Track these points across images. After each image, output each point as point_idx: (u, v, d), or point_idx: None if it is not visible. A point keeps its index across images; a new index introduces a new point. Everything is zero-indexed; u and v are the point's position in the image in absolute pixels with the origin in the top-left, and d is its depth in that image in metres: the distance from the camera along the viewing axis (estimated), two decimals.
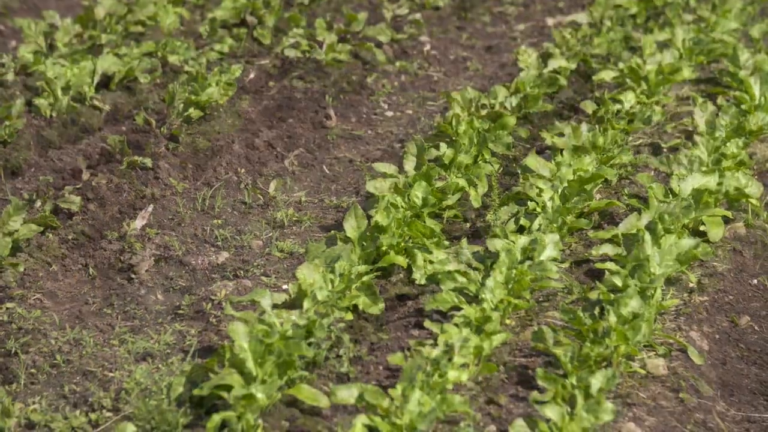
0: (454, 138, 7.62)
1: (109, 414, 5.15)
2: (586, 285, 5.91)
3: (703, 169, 7.00)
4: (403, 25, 11.02)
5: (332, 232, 6.46)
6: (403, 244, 6.42)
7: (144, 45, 9.33)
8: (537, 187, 6.89)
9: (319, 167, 8.02)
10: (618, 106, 8.30)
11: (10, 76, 8.81)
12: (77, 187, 7.06)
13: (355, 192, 7.60)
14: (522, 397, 5.15)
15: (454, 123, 7.72)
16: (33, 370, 5.49)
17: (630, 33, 10.62)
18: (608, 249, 6.30)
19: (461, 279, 5.85)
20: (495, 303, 5.66)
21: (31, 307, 6.03)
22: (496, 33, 11.34)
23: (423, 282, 6.27)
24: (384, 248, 6.33)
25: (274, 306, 5.63)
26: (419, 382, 4.81)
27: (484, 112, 8.06)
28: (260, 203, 7.37)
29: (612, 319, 5.39)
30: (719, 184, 6.89)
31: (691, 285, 6.28)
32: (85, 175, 7.26)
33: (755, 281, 6.57)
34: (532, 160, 7.15)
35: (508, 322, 5.82)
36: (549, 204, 6.67)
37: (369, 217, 6.59)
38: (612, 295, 5.51)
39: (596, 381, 4.90)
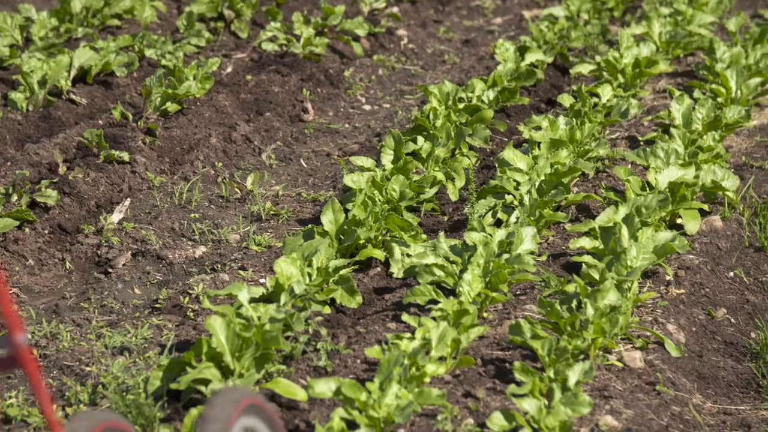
0: (431, 131, 7.62)
1: (85, 408, 5.13)
2: (564, 278, 5.91)
3: (680, 162, 7.01)
4: (380, 18, 11.02)
5: (310, 225, 6.45)
6: (380, 237, 6.42)
7: (121, 39, 9.29)
8: (514, 181, 6.89)
9: (296, 161, 8.01)
10: (595, 100, 8.31)
11: None
12: (54, 181, 7.03)
13: (332, 186, 7.59)
14: (500, 390, 5.15)
15: (431, 116, 7.72)
16: None
17: (607, 26, 10.65)
18: (585, 242, 6.31)
19: (439, 272, 5.85)
20: (472, 296, 5.66)
21: None
22: (473, 26, 11.35)
23: (401, 275, 6.27)
24: (361, 242, 6.33)
25: (252, 300, 5.61)
26: (397, 376, 4.81)
27: (461, 106, 8.06)
28: (237, 197, 7.36)
29: (589, 312, 5.40)
30: (696, 177, 6.91)
31: (668, 278, 6.29)
32: (62, 169, 7.23)
33: (732, 274, 6.59)
34: (510, 154, 7.15)
35: (485, 315, 5.82)
36: (526, 197, 6.67)
37: (346, 211, 6.58)
38: (589, 288, 5.52)
39: (573, 374, 4.90)
